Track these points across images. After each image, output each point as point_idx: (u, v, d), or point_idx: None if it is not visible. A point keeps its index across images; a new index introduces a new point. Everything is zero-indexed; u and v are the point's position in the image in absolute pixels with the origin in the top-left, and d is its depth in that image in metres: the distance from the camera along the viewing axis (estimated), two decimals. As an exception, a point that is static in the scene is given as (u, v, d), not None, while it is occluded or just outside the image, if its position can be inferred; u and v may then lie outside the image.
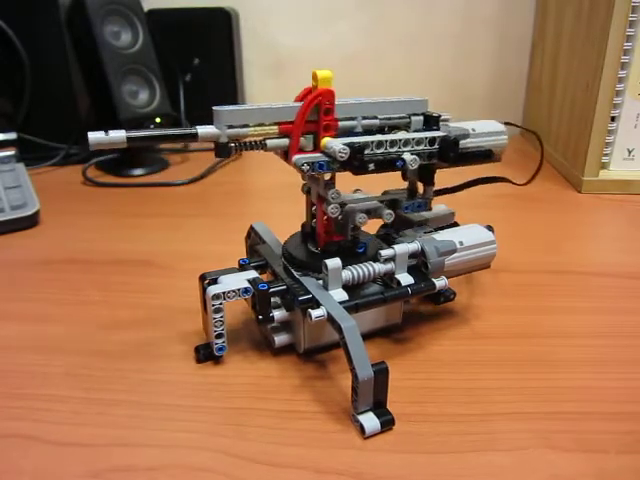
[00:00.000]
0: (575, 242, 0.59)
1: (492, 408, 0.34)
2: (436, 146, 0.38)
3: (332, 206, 0.37)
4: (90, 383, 0.37)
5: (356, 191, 0.43)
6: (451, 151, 0.38)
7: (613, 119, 0.71)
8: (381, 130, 0.39)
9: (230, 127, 0.34)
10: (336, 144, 0.34)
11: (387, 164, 0.36)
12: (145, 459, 0.31)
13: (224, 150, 0.35)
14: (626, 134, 0.72)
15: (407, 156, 0.36)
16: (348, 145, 0.34)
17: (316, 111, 0.36)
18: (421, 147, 0.37)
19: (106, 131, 0.33)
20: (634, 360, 0.39)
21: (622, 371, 0.38)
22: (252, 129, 0.35)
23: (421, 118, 0.39)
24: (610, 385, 0.36)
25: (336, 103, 0.36)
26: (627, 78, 0.69)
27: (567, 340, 0.41)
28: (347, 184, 0.44)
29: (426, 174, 0.41)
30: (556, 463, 0.30)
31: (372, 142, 0.36)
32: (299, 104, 0.35)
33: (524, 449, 0.31)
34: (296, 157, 0.35)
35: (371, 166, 0.35)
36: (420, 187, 0.43)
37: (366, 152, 0.35)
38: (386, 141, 0.36)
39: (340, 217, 0.39)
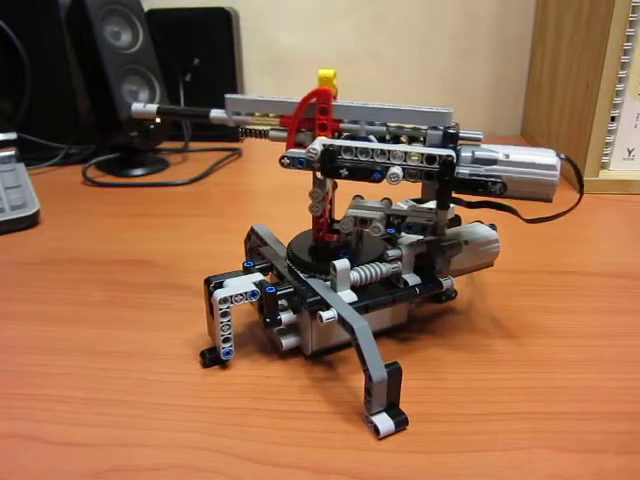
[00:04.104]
0: (575, 242, 0.58)
1: (492, 408, 0.34)
2: (436, 165, 0.34)
3: (314, 205, 0.38)
4: (90, 383, 0.37)
5: (383, 200, 0.40)
6: (445, 174, 0.33)
7: (613, 119, 0.71)
8: (395, 138, 0.37)
9: (237, 114, 0.38)
10: (314, 143, 0.34)
11: (363, 173, 0.34)
12: (145, 459, 0.31)
13: (232, 133, 0.38)
14: (626, 134, 0.72)
15: (390, 170, 0.34)
16: (324, 146, 0.34)
17: (311, 109, 0.36)
18: (415, 164, 0.34)
19: (144, 104, 0.41)
20: (634, 360, 0.39)
21: (622, 371, 0.38)
22: (256, 118, 0.38)
23: (440, 133, 0.35)
24: (610, 385, 0.36)
25: (345, 105, 0.36)
26: (627, 78, 0.69)
27: (567, 340, 0.41)
28: (378, 192, 0.43)
29: (439, 195, 0.36)
30: (556, 463, 0.30)
31: (356, 148, 0.34)
32: (296, 99, 0.36)
33: (524, 449, 0.31)
34: (287, 151, 0.36)
35: (344, 172, 0.34)
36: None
37: (345, 157, 0.34)
38: (372, 149, 0.34)
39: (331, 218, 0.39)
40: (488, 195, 0.34)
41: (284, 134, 0.38)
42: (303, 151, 0.35)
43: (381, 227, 0.37)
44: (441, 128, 0.35)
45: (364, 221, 0.38)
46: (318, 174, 0.37)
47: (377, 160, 0.34)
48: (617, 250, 0.57)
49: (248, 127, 0.39)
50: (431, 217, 0.38)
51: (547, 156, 0.33)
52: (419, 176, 0.34)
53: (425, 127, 0.36)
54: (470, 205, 0.40)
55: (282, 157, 0.35)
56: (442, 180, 0.34)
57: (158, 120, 0.87)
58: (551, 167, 0.33)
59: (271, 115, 0.38)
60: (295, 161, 0.35)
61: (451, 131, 0.35)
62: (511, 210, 0.39)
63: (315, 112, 0.36)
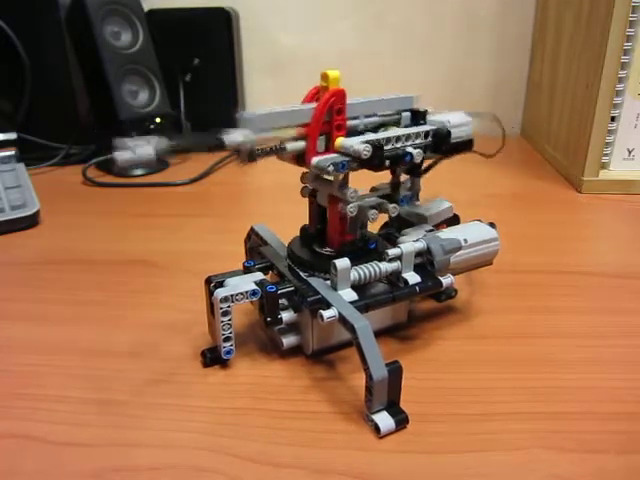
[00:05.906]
0: (575, 242, 0.58)
1: (492, 408, 0.34)
2: (429, 139, 0.39)
3: (351, 205, 0.37)
4: (90, 383, 0.37)
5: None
6: (444, 143, 0.39)
7: (613, 119, 0.71)
8: (377, 128, 0.39)
9: (256, 132, 0.33)
10: (357, 143, 0.34)
11: (398, 159, 0.37)
12: (145, 459, 0.31)
13: (251, 156, 0.34)
14: (626, 134, 0.72)
15: (414, 150, 0.37)
16: (369, 143, 0.34)
17: (329, 111, 0.35)
18: (419, 141, 0.38)
19: (133, 150, 0.30)
20: (634, 360, 0.39)
21: (622, 371, 0.38)
22: (274, 133, 0.34)
23: (409, 114, 0.41)
24: (610, 385, 0.36)
25: (351, 103, 0.37)
26: (627, 78, 0.69)
27: (567, 340, 0.41)
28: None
29: (415, 167, 0.42)
30: (556, 463, 0.30)
31: (384, 139, 0.36)
32: (313, 105, 0.35)
33: (524, 449, 0.31)
34: (317, 159, 0.35)
35: (387, 162, 0.36)
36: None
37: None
38: (392, 137, 0.37)
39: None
40: (466, 152, 0.41)
41: (302, 144, 0.35)
42: (334, 155, 0.35)
43: (397, 207, 0.40)
44: (408, 109, 0.41)
45: (375, 209, 0.39)
46: (339, 175, 0.37)
47: (397, 145, 0.37)
48: (617, 250, 0.57)
49: (262, 147, 0.34)
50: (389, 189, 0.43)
51: (464, 115, 0.41)
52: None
53: (395, 111, 0.40)
54: (431, 166, 0.44)
55: (327, 165, 0.34)
56: (439, 148, 0.39)
57: (158, 120, 0.87)
58: (470, 122, 0.41)
59: (296, 127, 0.34)
60: (339, 166, 0.34)
61: (421, 110, 0.40)
62: (471, 150, 0.44)
63: (332, 113, 0.35)
